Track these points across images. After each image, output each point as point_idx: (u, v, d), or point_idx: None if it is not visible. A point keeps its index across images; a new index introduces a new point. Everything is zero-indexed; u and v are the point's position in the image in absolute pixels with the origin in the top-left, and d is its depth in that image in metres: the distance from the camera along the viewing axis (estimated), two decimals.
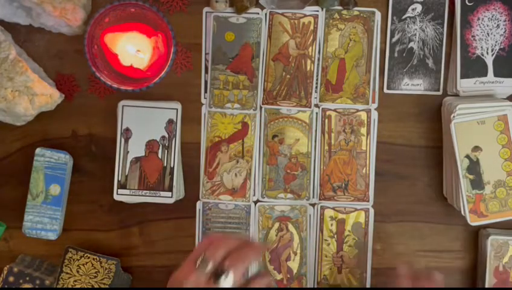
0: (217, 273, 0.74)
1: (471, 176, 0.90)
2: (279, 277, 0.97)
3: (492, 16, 0.93)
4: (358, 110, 0.96)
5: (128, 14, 0.91)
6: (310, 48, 0.96)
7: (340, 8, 0.95)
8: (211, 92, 0.96)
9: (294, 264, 0.97)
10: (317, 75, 0.96)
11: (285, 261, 0.97)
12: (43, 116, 0.95)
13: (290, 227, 0.97)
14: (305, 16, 0.96)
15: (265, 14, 0.96)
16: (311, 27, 0.96)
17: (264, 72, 0.96)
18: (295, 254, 0.98)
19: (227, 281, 0.74)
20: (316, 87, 0.96)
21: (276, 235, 0.98)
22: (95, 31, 0.90)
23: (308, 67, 0.96)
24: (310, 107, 0.96)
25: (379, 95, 0.97)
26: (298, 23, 0.96)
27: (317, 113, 0.97)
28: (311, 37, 0.96)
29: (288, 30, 0.96)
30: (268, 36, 0.96)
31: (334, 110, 0.97)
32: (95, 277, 0.93)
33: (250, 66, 0.96)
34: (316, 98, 0.96)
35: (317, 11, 0.95)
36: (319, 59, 0.96)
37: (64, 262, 0.93)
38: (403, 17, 0.96)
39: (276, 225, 0.97)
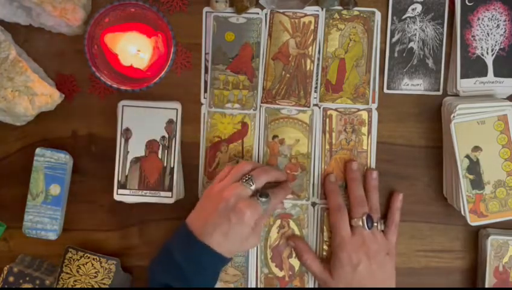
0: (259, 194, 0.87)
1: (471, 176, 0.90)
2: (281, 274, 0.97)
3: (492, 16, 0.93)
4: (359, 110, 0.97)
5: (128, 14, 0.91)
6: (310, 47, 0.96)
7: (340, 8, 0.95)
8: (211, 92, 0.96)
9: (296, 261, 0.98)
10: (317, 75, 0.96)
11: (286, 258, 0.98)
12: (43, 116, 0.95)
13: (292, 224, 0.97)
14: (306, 15, 0.96)
15: (265, 14, 0.96)
16: (312, 27, 0.96)
17: (263, 71, 0.96)
18: None
19: (264, 203, 0.87)
20: (316, 87, 0.96)
21: (278, 233, 0.98)
22: (95, 31, 0.89)
23: (308, 67, 0.96)
24: (309, 107, 0.96)
25: (379, 95, 0.97)
26: (299, 22, 0.96)
27: (317, 113, 0.97)
28: (312, 37, 0.96)
29: (288, 29, 0.96)
30: (269, 35, 0.96)
31: (335, 109, 0.97)
32: (95, 277, 0.93)
33: (250, 66, 0.96)
34: (315, 98, 0.97)
35: (318, 11, 0.95)
36: (319, 59, 0.96)
37: (64, 262, 0.93)
38: (403, 17, 0.96)
39: (278, 222, 0.97)
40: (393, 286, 0.93)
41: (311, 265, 0.94)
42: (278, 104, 0.97)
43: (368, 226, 0.91)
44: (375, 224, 0.92)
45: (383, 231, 0.94)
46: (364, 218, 0.92)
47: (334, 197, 0.95)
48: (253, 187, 0.87)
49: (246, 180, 0.87)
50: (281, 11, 0.96)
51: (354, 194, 0.94)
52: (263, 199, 0.87)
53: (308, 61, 0.96)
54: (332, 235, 0.94)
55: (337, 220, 0.93)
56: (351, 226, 0.93)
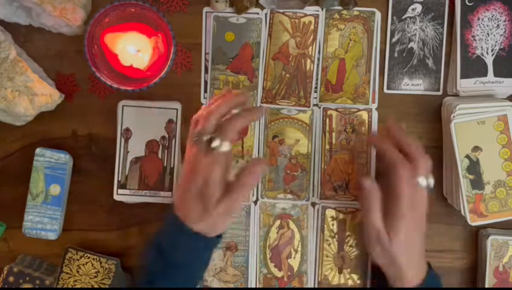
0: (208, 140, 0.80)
1: (471, 176, 0.90)
2: (279, 274, 0.97)
3: (492, 16, 0.93)
4: (359, 110, 0.97)
5: (128, 14, 0.91)
6: (310, 47, 0.96)
7: (340, 8, 0.95)
8: (211, 92, 0.97)
9: (295, 262, 0.98)
10: (317, 75, 0.96)
11: (285, 259, 0.98)
12: (43, 116, 0.95)
13: (291, 225, 0.97)
14: (306, 15, 0.96)
15: (265, 14, 0.96)
16: (312, 27, 0.96)
17: (263, 71, 0.96)
18: (296, 251, 0.98)
19: (222, 146, 0.79)
20: (316, 87, 0.96)
21: (277, 233, 0.98)
22: (95, 31, 0.89)
23: (308, 67, 0.96)
24: (309, 107, 0.96)
25: (379, 95, 0.97)
26: (299, 22, 0.96)
27: (317, 113, 0.97)
28: (312, 37, 0.96)
29: (288, 29, 0.96)
30: (269, 35, 0.96)
31: (335, 109, 0.97)
32: (95, 276, 0.93)
33: (250, 66, 0.96)
34: (315, 98, 0.97)
35: (318, 11, 0.95)
36: (319, 59, 0.96)
37: (64, 262, 0.93)
38: (403, 17, 0.96)
39: (277, 222, 0.97)
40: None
41: (375, 223, 0.85)
42: (278, 104, 0.97)
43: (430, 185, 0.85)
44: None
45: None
46: (429, 177, 0.85)
47: (394, 150, 0.86)
48: (205, 139, 0.80)
49: (197, 137, 0.81)
50: (281, 11, 0.96)
51: (413, 148, 0.85)
52: (214, 144, 0.79)
53: (308, 61, 0.96)
54: (398, 194, 0.84)
55: (404, 178, 0.84)
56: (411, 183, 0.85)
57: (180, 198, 0.81)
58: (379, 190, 0.86)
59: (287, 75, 0.97)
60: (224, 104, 0.83)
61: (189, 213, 0.80)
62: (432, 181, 0.85)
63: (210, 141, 0.79)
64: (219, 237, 0.84)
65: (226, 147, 0.80)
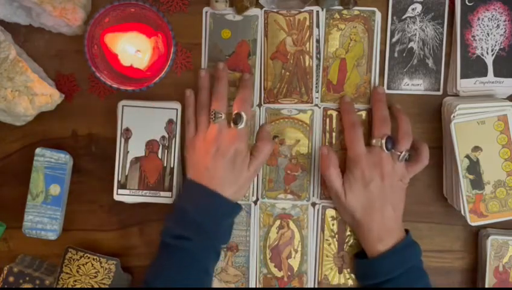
0: (233, 119, 0.89)
1: (471, 176, 0.90)
2: (279, 274, 0.97)
3: (492, 16, 0.93)
4: (359, 110, 0.97)
5: (128, 14, 0.91)
6: (307, 43, 0.96)
7: (340, 7, 0.95)
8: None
9: (295, 262, 0.98)
10: (317, 76, 0.96)
11: (286, 259, 0.98)
12: (43, 116, 0.95)
13: (291, 225, 0.97)
14: (300, 12, 0.95)
15: (261, 11, 0.95)
16: (307, 23, 0.96)
17: (262, 69, 0.96)
18: (296, 251, 0.98)
19: (242, 125, 0.89)
20: (317, 86, 0.96)
21: (277, 233, 0.98)
22: (95, 31, 0.89)
23: (307, 63, 0.96)
24: (312, 103, 0.96)
25: None
26: (294, 20, 0.96)
27: (317, 113, 0.97)
28: (308, 33, 0.96)
29: (284, 28, 0.96)
30: (265, 35, 0.96)
31: (335, 109, 0.97)
32: (95, 277, 0.93)
33: (247, 64, 0.96)
34: (317, 98, 0.97)
35: (312, 7, 0.95)
36: (319, 59, 0.96)
37: (64, 262, 0.93)
38: (403, 17, 0.96)
39: (277, 222, 0.98)
40: (401, 210, 0.92)
41: (334, 180, 0.92)
42: (281, 103, 0.97)
43: (386, 148, 0.90)
44: (401, 153, 0.91)
45: (406, 160, 0.92)
46: (384, 139, 0.90)
47: (349, 115, 0.95)
48: (223, 117, 0.90)
49: (214, 116, 0.89)
50: (275, 10, 0.95)
51: (378, 114, 0.93)
52: (240, 125, 0.89)
53: (307, 57, 0.96)
54: (347, 153, 0.93)
55: (351, 137, 0.92)
56: (370, 146, 0.92)
57: (209, 171, 0.89)
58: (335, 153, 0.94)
59: (287, 74, 0.97)
60: (223, 83, 0.92)
61: (222, 182, 0.89)
62: (389, 144, 0.90)
63: (235, 120, 0.89)
64: (240, 207, 0.92)
65: (247, 121, 0.90)
